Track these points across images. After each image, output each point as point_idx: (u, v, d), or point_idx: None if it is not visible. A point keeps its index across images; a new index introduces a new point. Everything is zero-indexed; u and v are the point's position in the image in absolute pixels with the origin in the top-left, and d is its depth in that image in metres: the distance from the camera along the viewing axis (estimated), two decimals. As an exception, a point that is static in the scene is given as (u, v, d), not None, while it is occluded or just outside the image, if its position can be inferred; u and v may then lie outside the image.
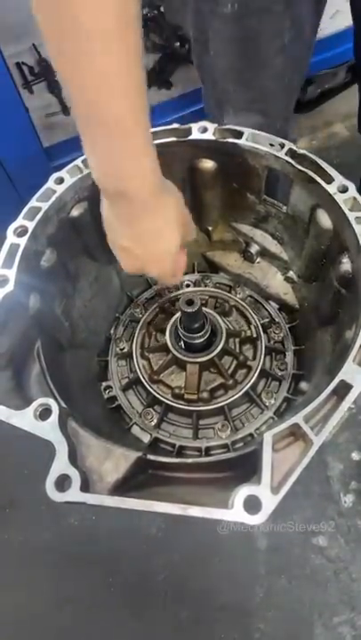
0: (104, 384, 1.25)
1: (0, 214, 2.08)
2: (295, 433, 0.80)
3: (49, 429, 0.82)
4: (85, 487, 0.78)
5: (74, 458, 0.80)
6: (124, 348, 1.27)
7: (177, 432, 1.19)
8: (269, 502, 0.73)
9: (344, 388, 0.81)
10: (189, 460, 0.85)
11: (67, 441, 0.81)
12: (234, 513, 0.73)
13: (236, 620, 1.80)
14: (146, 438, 1.18)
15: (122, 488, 0.81)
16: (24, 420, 0.83)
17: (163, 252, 0.95)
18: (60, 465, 0.78)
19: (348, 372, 0.81)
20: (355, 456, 1.99)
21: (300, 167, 0.99)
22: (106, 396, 1.24)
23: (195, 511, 0.74)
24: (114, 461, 0.83)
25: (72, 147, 2.04)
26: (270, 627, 1.79)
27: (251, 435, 1.16)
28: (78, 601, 1.83)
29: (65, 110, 2.16)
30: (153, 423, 1.18)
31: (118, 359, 1.28)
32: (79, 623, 1.81)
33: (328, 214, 0.99)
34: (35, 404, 0.84)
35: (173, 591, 1.84)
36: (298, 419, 0.79)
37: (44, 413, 0.84)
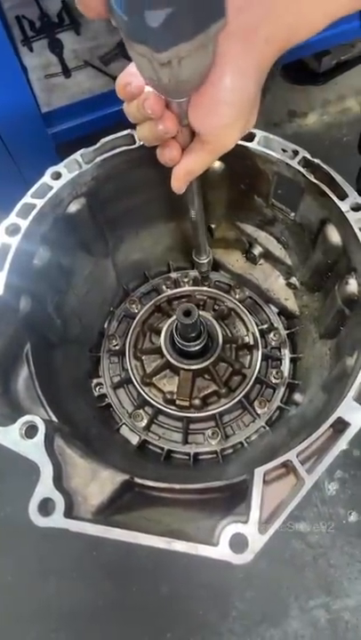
0: (95, 381, 1.22)
1: (-5, 183, 2.00)
2: (287, 466, 0.79)
3: (34, 449, 0.79)
4: (69, 512, 0.76)
5: (59, 479, 0.79)
6: (117, 345, 1.24)
7: (166, 435, 1.17)
8: (256, 542, 0.72)
9: (341, 424, 0.79)
10: (177, 486, 0.83)
11: (52, 462, 0.79)
12: (219, 551, 0.72)
13: (216, 597, 1.85)
14: (135, 440, 1.17)
15: (107, 510, 0.80)
16: (8, 437, 0.81)
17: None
18: (44, 488, 0.76)
19: (347, 409, 0.78)
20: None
21: (312, 179, 0.93)
22: (96, 394, 1.21)
23: (180, 546, 0.73)
24: (99, 483, 0.81)
25: (73, 113, 1.94)
26: (247, 606, 1.84)
27: (241, 443, 1.15)
28: (62, 572, 1.88)
29: (66, 72, 2.02)
30: (143, 425, 1.17)
31: (110, 356, 1.24)
32: (62, 593, 1.85)
33: (338, 230, 0.94)
34: (20, 421, 0.81)
35: (156, 567, 1.88)
36: (291, 455, 0.77)
37: (30, 431, 0.81)
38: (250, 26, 0.63)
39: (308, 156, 0.94)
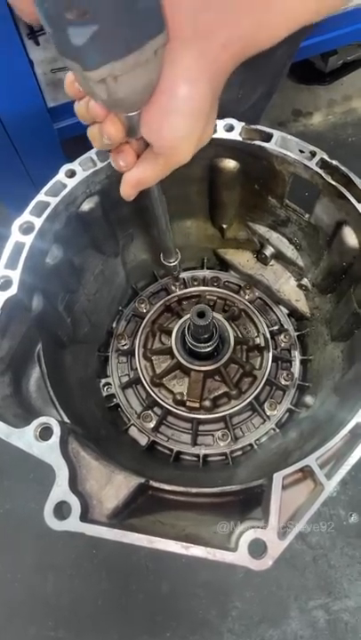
0: (103, 381, 1.21)
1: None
2: (304, 471, 0.78)
3: (49, 451, 0.78)
4: (85, 515, 0.75)
5: (74, 483, 0.78)
6: (125, 345, 1.23)
7: (175, 436, 1.16)
8: (275, 547, 0.72)
9: (359, 429, 0.79)
10: (193, 490, 0.82)
11: (67, 464, 0.78)
12: (238, 556, 0.72)
13: (216, 597, 1.85)
14: (143, 441, 1.16)
15: (121, 514, 0.79)
16: (23, 439, 0.79)
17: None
18: (60, 491, 0.75)
19: (366, 415, 0.78)
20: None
21: (330, 181, 0.92)
22: (105, 394, 1.20)
23: (198, 551, 0.73)
24: (115, 486, 0.80)
25: (79, 108, 1.93)
26: (247, 606, 1.84)
27: (250, 445, 1.14)
28: (61, 570, 1.87)
29: (72, 66, 2.00)
30: (151, 426, 1.16)
31: (119, 355, 1.23)
32: (61, 591, 1.85)
33: (355, 233, 0.93)
34: (35, 423, 0.80)
35: (156, 566, 1.88)
36: (310, 460, 0.76)
37: (45, 433, 0.80)
38: (206, 30, 0.59)
39: (326, 158, 0.93)
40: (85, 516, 0.76)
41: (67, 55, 0.51)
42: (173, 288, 1.27)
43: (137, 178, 0.74)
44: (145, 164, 0.72)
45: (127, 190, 0.76)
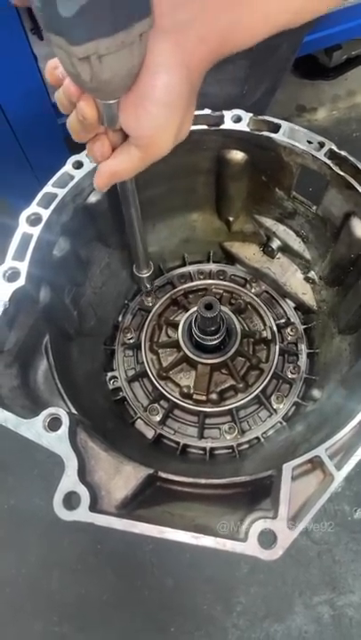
0: (109, 374, 1.21)
1: (3, 172, 1.98)
2: (313, 462, 0.78)
3: (58, 442, 0.78)
4: (94, 505, 0.75)
5: (83, 473, 0.77)
6: (132, 338, 1.23)
7: (182, 429, 1.16)
8: (286, 538, 0.71)
9: (369, 419, 0.78)
10: (202, 481, 0.82)
11: (76, 455, 0.77)
12: (248, 546, 0.71)
13: (220, 592, 1.85)
14: (150, 434, 1.15)
15: (130, 504, 0.79)
16: (32, 429, 0.79)
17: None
18: (69, 482, 0.75)
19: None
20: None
21: (339, 171, 0.91)
22: (111, 387, 1.20)
23: (208, 541, 0.72)
24: (124, 477, 0.80)
25: (83, 103, 1.93)
26: (252, 601, 1.84)
27: (257, 438, 1.14)
28: (66, 565, 1.87)
29: (76, 61, 1.99)
30: (158, 419, 1.16)
31: (125, 349, 1.23)
32: (66, 587, 1.85)
33: (364, 224, 0.93)
34: (44, 413, 0.79)
35: (160, 561, 1.88)
36: (320, 451, 0.76)
37: (53, 423, 0.80)
38: (183, 24, 0.61)
39: (335, 148, 0.93)
40: (94, 507, 0.75)
41: (53, 29, 0.51)
42: (179, 281, 1.27)
43: (112, 169, 0.73)
44: (122, 155, 0.72)
45: (100, 181, 0.76)
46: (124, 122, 0.66)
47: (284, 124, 0.96)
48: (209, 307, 0.98)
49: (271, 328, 1.19)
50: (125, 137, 0.70)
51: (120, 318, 1.27)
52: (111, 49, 0.53)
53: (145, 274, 1.14)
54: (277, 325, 1.20)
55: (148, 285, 1.18)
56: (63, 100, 0.67)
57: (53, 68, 0.66)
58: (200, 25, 0.62)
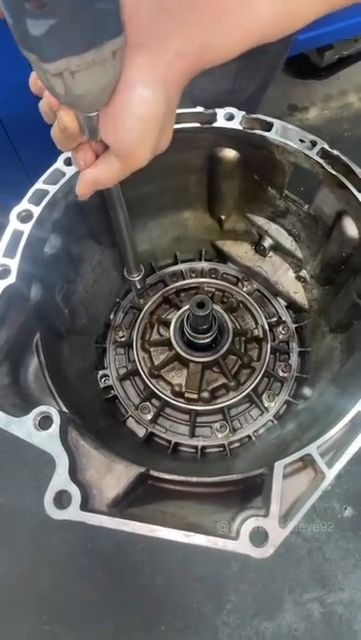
0: (100, 372, 1.21)
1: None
2: (304, 460, 0.78)
3: (49, 440, 0.77)
4: (85, 504, 0.75)
5: (74, 472, 0.77)
6: (123, 337, 1.22)
7: (173, 428, 1.16)
8: (277, 535, 0.72)
9: (360, 418, 0.79)
10: (194, 479, 0.82)
11: (67, 453, 0.77)
12: (239, 544, 0.72)
13: (211, 590, 1.85)
14: (141, 432, 1.15)
15: (122, 503, 0.79)
16: (23, 428, 0.79)
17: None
18: (60, 480, 0.75)
19: (367, 402, 0.78)
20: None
21: (331, 170, 0.92)
22: (102, 385, 1.20)
23: (200, 539, 0.72)
24: (115, 476, 0.80)
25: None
26: (242, 599, 1.84)
27: (248, 437, 1.14)
28: (55, 564, 1.86)
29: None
30: (149, 417, 1.15)
31: (117, 347, 1.23)
32: (56, 585, 1.84)
33: (356, 223, 0.93)
34: (35, 412, 0.79)
35: (151, 560, 1.88)
36: (311, 449, 0.76)
37: (44, 422, 0.80)
38: (158, 38, 0.61)
39: (327, 147, 0.93)
40: (86, 506, 0.75)
41: (25, 46, 0.52)
42: (171, 280, 1.27)
43: (94, 177, 0.74)
44: (103, 164, 0.73)
45: (82, 189, 0.77)
46: (104, 134, 0.67)
47: (277, 123, 0.96)
48: (201, 305, 0.98)
49: (263, 326, 1.19)
50: (107, 146, 0.71)
51: (111, 316, 1.26)
52: (82, 66, 0.54)
53: (135, 277, 1.14)
54: (269, 324, 1.20)
55: (140, 286, 1.17)
56: (46, 109, 0.68)
57: (36, 79, 0.66)
58: (178, 40, 0.62)
